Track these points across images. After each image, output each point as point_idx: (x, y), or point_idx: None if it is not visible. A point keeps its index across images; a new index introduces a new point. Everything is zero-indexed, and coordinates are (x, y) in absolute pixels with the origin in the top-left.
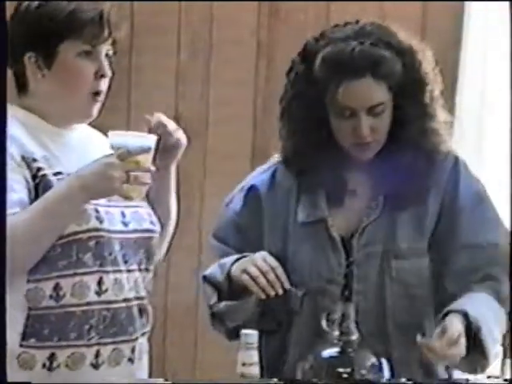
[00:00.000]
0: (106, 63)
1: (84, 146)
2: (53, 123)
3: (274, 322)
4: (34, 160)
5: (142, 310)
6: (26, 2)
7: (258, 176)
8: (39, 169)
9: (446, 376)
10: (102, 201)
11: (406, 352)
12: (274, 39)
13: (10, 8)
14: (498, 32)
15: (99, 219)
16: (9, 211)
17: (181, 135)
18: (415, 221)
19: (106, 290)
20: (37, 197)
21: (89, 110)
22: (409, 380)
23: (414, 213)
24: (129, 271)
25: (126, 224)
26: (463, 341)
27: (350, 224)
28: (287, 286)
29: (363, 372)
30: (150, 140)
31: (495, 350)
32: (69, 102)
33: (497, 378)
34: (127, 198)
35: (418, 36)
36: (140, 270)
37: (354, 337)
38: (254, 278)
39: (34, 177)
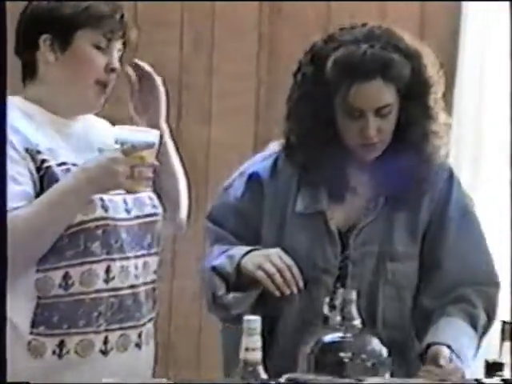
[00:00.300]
0: (116, 58)
1: (88, 136)
2: (58, 113)
3: (272, 310)
4: (38, 152)
5: (149, 296)
6: None
7: (260, 163)
8: (43, 161)
9: None
10: None
11: (390, 343)
12: (274, 33)
13: (9, 8)
14: (496, 33)
15: (104, 208)
16: (15, 204)
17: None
18: (410, 225)
19: (114, 278)
20: (42, 188)
21: (95, 101)
22: None
23: (408, 217)
24: (136, 257)
25: (128, 211)
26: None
27: (347, 219)
28: (302, 285)
29: (364, 357)
30: (154, 135)
31: (468, 370)
32: (76, 91)
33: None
34: (131, 191)
35: (416, 36)
36: (149, 254)
37: (356, 322)
38: (270, 276)
39: (39, 169)
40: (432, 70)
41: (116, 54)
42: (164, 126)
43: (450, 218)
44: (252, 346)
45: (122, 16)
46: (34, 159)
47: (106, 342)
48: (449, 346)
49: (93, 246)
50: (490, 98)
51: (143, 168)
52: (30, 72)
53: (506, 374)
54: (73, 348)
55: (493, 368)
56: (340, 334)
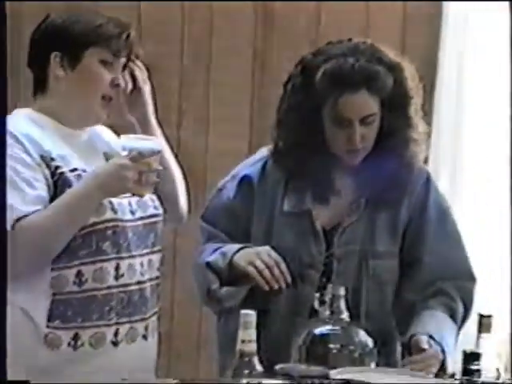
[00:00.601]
0: (121, 74)
1: (94, 143)
2: (66, 124)
3: (261, 304)
4: (52, 159)
5: (153, 291)
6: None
7: (250, 166)
8: (57, 167)
9: None
10: None
11: (373, 334)
12: (268, 48)
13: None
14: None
15: (114, 210)
16: (32, 208)
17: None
18: (390, 225)
19: (123, 275)
20: (56, 192)
21: (100, 114)
22: None
23: (389, 217)
24: (141, 255)
25: (133, 212)
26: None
27: (332, 219)
28: (289, 280)
29: (352, 348)
30: (159, 143)
31: (450, 360)
32: (83, 104)
33: None
34: (138, 195)
35: (398, 44)
36: (153, 252)
37: (344, 316)
38: (259, 271)
39: (53, 174)
40: (412, 82)
41: (121, 71)
42: (154, 121)
43: (428, 217)
44: (248, 338)
45: (129, 35)
46: (48, 166)
47: (116, 334)
48: (431, 336)
49: (104, 245)
50: (468, 106)
51: (149, 173)
52: (40, 85)
53: (483, 364)
54: (87, 340)
55: (470, 358)
56: (329, 327)
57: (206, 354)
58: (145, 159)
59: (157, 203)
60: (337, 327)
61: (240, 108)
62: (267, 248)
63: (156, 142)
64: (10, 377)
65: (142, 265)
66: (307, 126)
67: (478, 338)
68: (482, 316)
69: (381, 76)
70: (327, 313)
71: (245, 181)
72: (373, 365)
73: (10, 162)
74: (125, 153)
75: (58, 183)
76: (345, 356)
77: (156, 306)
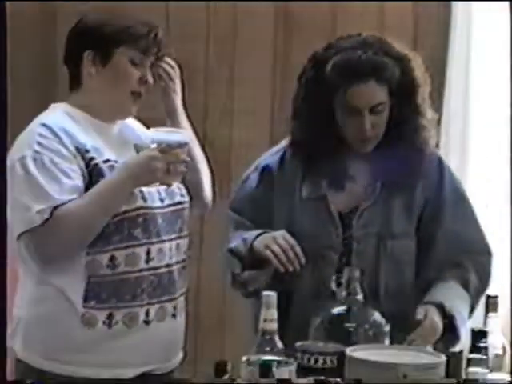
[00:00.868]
0: (149, 72)
1: (124, 136)
2: (99, 118)
3: (286, 285)
4: (87, 151)
5: (181, 273)
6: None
7: (270, 157)
8: (91, 158)
9: None
10: None
11: (393, 314)
12: (287, 46)
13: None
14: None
15: (144, 199)
16: (68, 197)
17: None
18: (406, 207)
19: (153, 259)
20: (90, 181)
21: (130, 108)
22: None
23: (404, 200)
24: (170, 240)
25: (162, 200)
26: (438, 328)
27: (348, 203)
28: (303, 262)
29: (366, 326)
30: (186, 135)
31: (464, 330)
32: (114, 100)
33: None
34: (167, 184)
35: (410, 42)
36: (180, 237)
37: (360, 296)
38: (276, 255)
39: (87, 165)
40: (419, 71)
41: (149, 68)
42: (183, 115)
43: (444, 198)
44: (270, 317)
45: (156, 35)
46: (83, 157)
47: (147, 313)
48: (441, 305)
49: (135, 231)
50: (475, 98)
51: (177, 164)
52: (75, 82)
53: (490, 341)
54: (121, 319)
55: (478, 335)
56: (345, 307)
57: (230, 332)
58: (173, 151)
59: (184, 191)
60: (352, 307)
61: (261, 103)
62: (283, 232)
63: (184, 134)
64: (51, 355)
65: (170, 249)
66: (320, 116)
67: (486, 317)
68: (488, 296)
69: (388, 66)
70: (343, 294)
71: (265, 171)
72: (386, 342)
73: (48, 154)
74: (154, 145)
75: (92, 173)
76: (360, 334)
77: (183, 287)
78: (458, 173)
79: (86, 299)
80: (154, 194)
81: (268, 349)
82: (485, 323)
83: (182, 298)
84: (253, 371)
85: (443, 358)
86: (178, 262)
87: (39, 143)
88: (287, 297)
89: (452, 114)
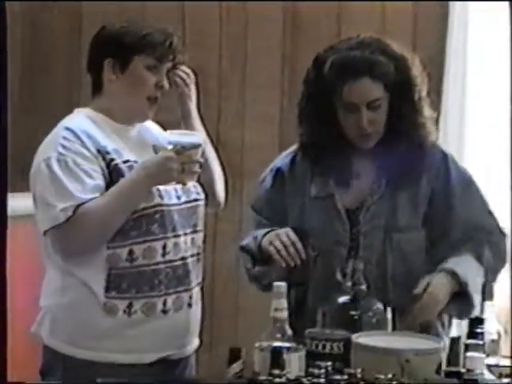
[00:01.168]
0: (165, 77)
1: (143, 137)
2: (118, 121)
3: (297, 278)
4: (107, 152)
5: (195, 265)
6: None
7: (283, 159)
8: (112, 159)
9: (441, 330)
10: None
11: (401, 305)
12: (295, 50)
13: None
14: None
15: (161, 196)
16: (90, 195)
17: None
18: (411, 201)
19: (169, 252)
20: (111, 181)
21: (146, 112)
22: None
23: (409, 194)
24: (185, 234)
25: (179, 197)
26: (439, 299)
27: (355, 200)
28: (304, 257)
29: (370, 314)
30: (200, 137)
31: (478, 298)
32: (132, 104)
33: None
34: (182, 183)
35: (411, 42)
36: (195, 231)
37: (363, 287)
38: (278, 250)
39: (108, 165)
40: (416, 71)
41: (165, 74)
42: (197, 119)
43: (452, 186)
44: (280, 306)
45: (172, 43)
46: (104, 158)
47: (165, 303)
48: (454, 273)
49: (152, 227)
50: (472, 96)
51: (191, 164)
52: (97, 87)
53: (486, 327)
54: (139, 309)
55: (475, 322)
56: (351, 297)
57: (243, 320)
58: (187, 152)
59: (199, 189)
60: (357, 296)
61: (271, 105)
62: (287, 229)
63: (198, 136)
64: (74, 341)
65: (185, 243)
66: (323, 116)
67: (482, 305)
68: (484, 286)
69: (382, 63)
70: (349, 284)
71: (278, 172)
72: (389, 329)
73: (71, 156)
74: (170, 146)
75: (112, 173)
76: (364, 321)
77: (198, 278)
78: None
79: (107, 289)
80: (171, 192)
81: (279, 336)
82: (481, 311)
83: (197, 289)
84: (265, 356)
85: (443, 343)
86: (192, 255)
87: (63, 146)
88: (303, 288)
89: (449, 112)
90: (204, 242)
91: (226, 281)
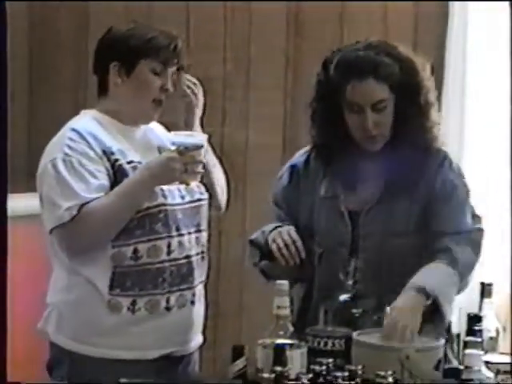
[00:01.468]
0: (170, 81)
1: (148, 139)
2: (124, 122)
3: (298, 275)
4: (112, 153)
5: (199, 263)
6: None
7: (298, 158)
8: (116, 160)
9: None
10: None
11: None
12: (298, 54)
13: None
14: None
15: (164, 196)
16: (95, 195)
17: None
18: (408, 206)
19: (173, 251)
20: (115, 181)
21: (151, 114)
22: None
23: (408, 199)
24: (189, 233)
25: (182, 197)
26: (401, 324)
27: (359, 203)
28: (303, 256)
29: (371, 312)
30: (203, 138)
31: (451, 307)
32: (137, 107)
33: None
34: (185, 184)
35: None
36: (199, 231)
37: (364, 286)
38: (279, 248)
39: (113, 166)
40: (423, 74)
41: (170, 77)
42: (198, 125)
43: (439, 198)
44: (282, 304)
45: (176, 46)
46: (109, 159)
47: (168, 301)
48: (423, 289)
49: (156, 226)
50: (472, 97)
51: (194, 165)
52: (103, 90)
53: (485, 325)
54: (143, 306)
55: (473, 320)
56: (351, 295)
57: (247, 317)
58: (190, 153)
59: (203, 189)
60: (358, 295)
61: (275, 107)
62: (289, 228)
63: (200, 138)
64: (79, 338)
65: (189, 242)
66: (331, 116)
67: (481, 302)
68: (483, 284)
69: (386, 64)
70: (350, 282)
71: (293, 170)
72: None
73: (76, 156)
74: (173, 147)
75: (117, 174)
76: (365, 319)
77: (202, 276)
78: None
79: (111, 287)
80: (175, 192)
81: (281, 333)
82: (480, 309)
83: (200, 287)
84: (268, 353)
85: (442, 341)
86: (196, 254)
87: (69, 146)
88: (309, 286)
89: (449, 112)
90: (209, 241)
91: (231, 278)
